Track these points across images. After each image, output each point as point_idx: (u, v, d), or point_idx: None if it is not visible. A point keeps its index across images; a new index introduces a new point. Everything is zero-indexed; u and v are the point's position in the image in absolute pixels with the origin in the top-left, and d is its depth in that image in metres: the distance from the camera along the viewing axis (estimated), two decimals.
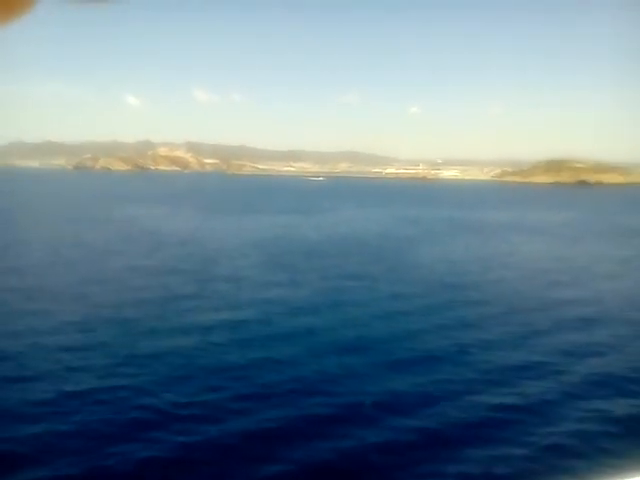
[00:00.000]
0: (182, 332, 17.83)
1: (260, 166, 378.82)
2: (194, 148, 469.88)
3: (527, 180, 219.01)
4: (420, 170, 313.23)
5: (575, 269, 31.83)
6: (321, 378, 14.21)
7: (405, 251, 37.21)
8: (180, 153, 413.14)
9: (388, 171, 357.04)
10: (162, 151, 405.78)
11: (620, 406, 12.72)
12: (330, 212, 68.97)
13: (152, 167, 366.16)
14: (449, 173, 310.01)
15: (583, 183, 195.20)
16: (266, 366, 15.01)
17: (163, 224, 50.48)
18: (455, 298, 23.59)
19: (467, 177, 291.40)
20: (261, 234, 44.56)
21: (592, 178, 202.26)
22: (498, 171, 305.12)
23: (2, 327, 18.11)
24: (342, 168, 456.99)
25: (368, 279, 27.50)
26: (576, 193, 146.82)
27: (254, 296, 23.38)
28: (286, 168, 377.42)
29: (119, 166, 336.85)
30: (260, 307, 21.45)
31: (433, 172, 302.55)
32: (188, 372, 14.44)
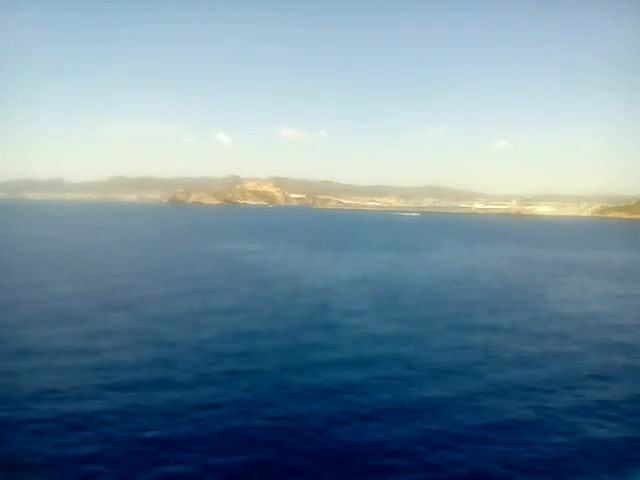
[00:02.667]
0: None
1: (344, 200, 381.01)
2: (280, 183, 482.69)
3: (634, 216, 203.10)
4: (513, 205, 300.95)
5: None
6: None
7: (541, 297, 32.95)
8: (267, 188, 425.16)
9: (477, 206, 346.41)
10: (250, 186, 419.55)
11: None
12: (435, 250, 65.23)
13: (240, 201, 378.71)
14: (543, 209, 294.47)
15: None
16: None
17: (267, 259, 49.25)
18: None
19: (563, 213, 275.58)
20: (371, 272, 41.85)
21: None
22: (598, 207, 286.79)
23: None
24: (427, 203, 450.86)
25: (509, 331, 23.82)
26: None
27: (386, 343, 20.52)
28: (370, 203, 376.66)
29: (210, 200, 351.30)
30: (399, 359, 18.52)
31: (527, 208, 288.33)
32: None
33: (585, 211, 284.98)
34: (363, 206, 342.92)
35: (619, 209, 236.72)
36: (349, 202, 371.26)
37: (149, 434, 12.74)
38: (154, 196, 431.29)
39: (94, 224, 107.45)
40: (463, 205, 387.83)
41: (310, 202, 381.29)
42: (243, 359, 18.70)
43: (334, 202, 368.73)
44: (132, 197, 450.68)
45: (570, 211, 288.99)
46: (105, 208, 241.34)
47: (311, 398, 15.27)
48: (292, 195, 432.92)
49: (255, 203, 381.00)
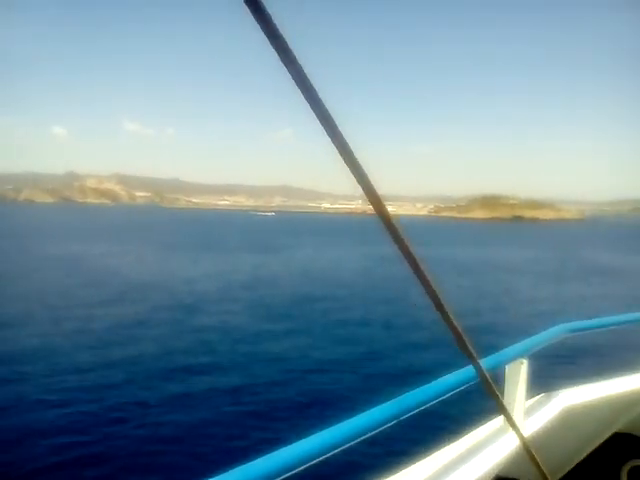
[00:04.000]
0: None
1: (194, 200, 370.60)
2: (124, 180, 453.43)
3: (465, 215, 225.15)
4: (359, 205, 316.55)
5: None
6: None
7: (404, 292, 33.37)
8: (110, 185, 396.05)
9: (326, 205, 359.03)
10: (90, 183, 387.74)
11: None
12: (298, 249, 64.52)
13: (79, 199, 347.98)
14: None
15: (519, 219, 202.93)
16: None
17: (117, 262, 44.09)
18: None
19: (404, 212, 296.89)
20: (233, 274, 39.37)
21: (526, 214, 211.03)
22: (432, 206, 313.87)
23: None
24: (277, 202, 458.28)
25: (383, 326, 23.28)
26: (517, 229, 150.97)
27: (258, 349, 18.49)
28: (221, 202, 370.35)
29: (43, 198, 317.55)
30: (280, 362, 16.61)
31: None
32: None
33: (422, 210, 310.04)
34: (215, 205, 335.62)
35: (452, 209, 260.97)
36: (199, 201, 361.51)
37: None
38: None
39: None
40: (312, 204, 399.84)
41: (158, 201, 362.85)
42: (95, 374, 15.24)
43: (184, 201, 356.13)
44: None
45: (409, 210, 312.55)
46: None
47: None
48: (138, 193, 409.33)
49: (96, 201, 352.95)
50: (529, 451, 2.46)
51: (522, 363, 3.06)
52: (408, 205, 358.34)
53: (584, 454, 4.20)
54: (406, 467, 2.55)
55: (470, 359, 1.09)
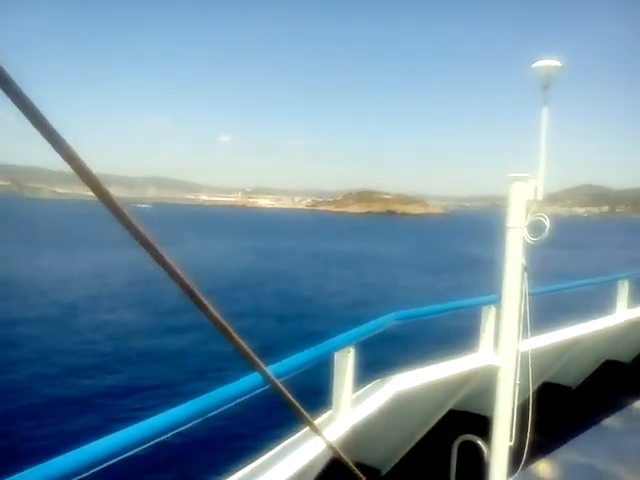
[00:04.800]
0: None
1: (60, 190, 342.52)
2: None
3: (341, 209, 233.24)
4: (238, 198, 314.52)
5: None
6: None
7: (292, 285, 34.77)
8: None
9: (204, 198, 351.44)
10: None
11: None
12: (183, 243, 63.19)
13: None
14: (265, 202, 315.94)
15: (392, 213, 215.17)
16: None
17: None
18: None
19: (282, 206, 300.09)
20: (116, 273, 38.03)
21: (398, 209, 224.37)
22: (309, 200, 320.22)
23: None
24: (151, 193, 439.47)
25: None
26: (389, 222, 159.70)
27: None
28: (90, 192, 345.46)
29: None
30: None
31: (251, 200, 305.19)
32: None
33: (300, 204, 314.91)
34: (83, 196, 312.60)
35: (328, 203, 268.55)
36: (66, 192, 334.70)
37: None
38: None
39: None
40: (189, 196, 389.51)
41: (17, 190, 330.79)
42: None
43: (48, 191, 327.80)
44: None
45: (287, 204, 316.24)
46: None
47: None
48: None
49: None
50: (356, 435, 3.00)
51: (349, 351, 3.10)
52: (286, 199, 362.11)
53: (420, 434, 4.51)
54: (243, 466, 2.60)
55: (253, 365, 0.98)
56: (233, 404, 2.15)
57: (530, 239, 3.84)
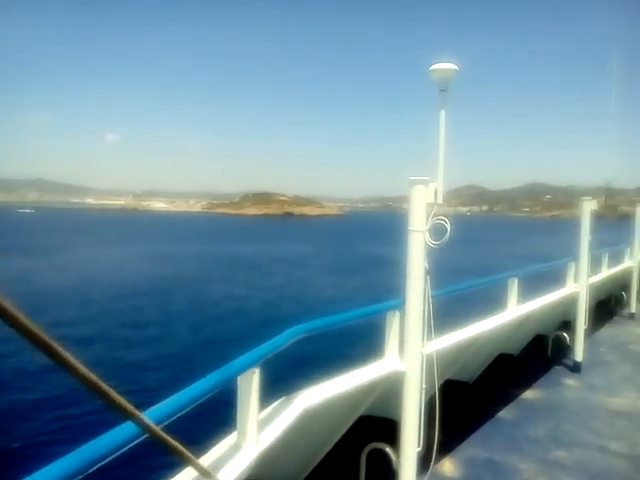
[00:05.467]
0: None
1: None
2: None
3: (238, 212, 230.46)
4: (129, 200, 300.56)
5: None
6: None
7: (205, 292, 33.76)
8: None
9: (91, 201, 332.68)
10: None
11: None
12: (68, 251, 58.92)
13: None
14: (158, 205, 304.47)
15: (289, 214, 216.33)
16: None
17: None
18: None
19: (177, 209, 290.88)
20: None
21: (296, 210, 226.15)
22: (205, 203, 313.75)
23: None
24: (32, 197, 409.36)
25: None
26: (288, 224, 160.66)
27: None
28: None
29: None
30: None
31: (144, 203, 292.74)
32: None
33: (195, 207, 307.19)
34: None
35: (225, 205, 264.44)
36: None
37: None
38: None
39: None
40: (75, 200, 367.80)
41: None
42: None
43: None
44: None
45: (181, 207, 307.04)
46: None
47: None
48: None
49: None
50: (265, 457, 2.88)
51: (254, 373, 2.93)
52: (180, 201, 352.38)
53: (328, 445, 4.37)
54: None
55: (124, 413, 0.82)
56: (107, 461, 1.74)
57: (432, 243, 3.79)
